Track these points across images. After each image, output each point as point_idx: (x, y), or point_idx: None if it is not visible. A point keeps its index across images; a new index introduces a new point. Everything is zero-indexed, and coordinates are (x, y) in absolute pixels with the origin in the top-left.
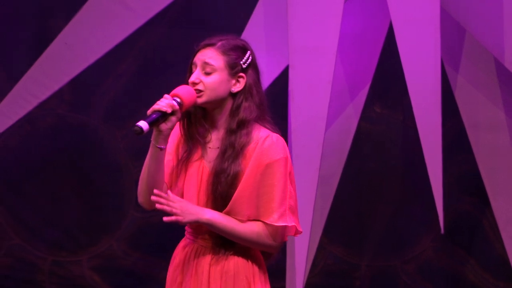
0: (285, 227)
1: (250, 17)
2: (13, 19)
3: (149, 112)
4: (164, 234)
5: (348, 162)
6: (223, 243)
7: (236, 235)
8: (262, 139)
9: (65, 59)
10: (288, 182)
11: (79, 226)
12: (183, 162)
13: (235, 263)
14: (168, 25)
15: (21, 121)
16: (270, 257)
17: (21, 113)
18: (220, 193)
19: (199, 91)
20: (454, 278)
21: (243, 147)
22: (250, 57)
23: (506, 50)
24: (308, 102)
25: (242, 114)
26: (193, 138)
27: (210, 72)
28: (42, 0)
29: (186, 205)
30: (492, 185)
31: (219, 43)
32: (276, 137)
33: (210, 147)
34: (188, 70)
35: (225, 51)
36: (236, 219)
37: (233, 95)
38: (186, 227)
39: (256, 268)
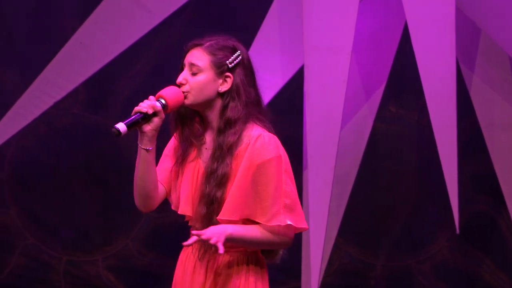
0: (279, 226)
1: (265, 17)
2: (29, 18)
3: (132, 113)
4: (179, 234)
5: (363, 162)
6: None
7: (255, 242)
8: (254, 138)
9: (81, 59)
10: (282, 181)
11: (94, 226)
12: (179, 164)
13: (233, 261)
14: (183, 25)
15: (36, 121)
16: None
17: (37, 113)
18: (208, 194)
19: (187, 92)
20: (469, 278)
21: (231, 147)
22: (240, 57)
23: None
24: (323, 102)
25: (229, 114)
26: (187, 140)
27: (196, 73)
28: (57, 0)
29: (213, 229)
30: (508, 185)
31: (207, 43)
32: (268, 137)
33: (206, 148)
34: (178, 71)
35: (212, 51)
36: (232, 221)
37: (221, 95)
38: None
39: (252, 267)
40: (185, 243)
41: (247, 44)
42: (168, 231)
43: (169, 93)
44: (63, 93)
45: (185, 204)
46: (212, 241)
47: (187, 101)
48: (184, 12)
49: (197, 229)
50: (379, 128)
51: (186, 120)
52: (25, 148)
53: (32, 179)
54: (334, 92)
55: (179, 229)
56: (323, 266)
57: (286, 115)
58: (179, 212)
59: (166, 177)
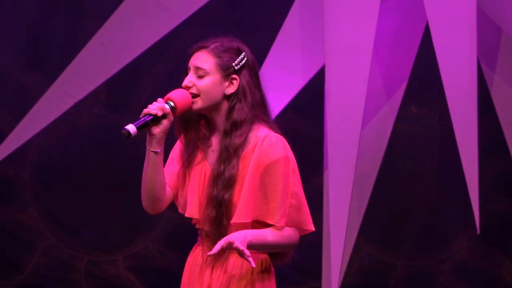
0: (288, 227)
1: (286, 17)
2: (50, 19)
3: (141, 115)
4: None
5: (384, 162)
6: None
7: (268, 246)
8: (261, 139)
9: (101, 59)
10: (289, 181)
11: (115, 226)
12: (186, 166)
13: (239, 263)
14: (203, 26)
15: (57, 121)
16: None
17: (57, 113)
18: (216, 197)
19: (195, 95)
20: (489, 279)
21: (237, 149)
22: (245, 59)
23: None
24: (344, 102)
25: (235, 116)
26: (193, 143)
27: (202, 75)
28: (77, 1)
29: (233, 236)
30: None
31: (212, 46)
32: (275, 137)
33: (212, 150)
34: (184, 73)
35: (217, 54)
36: (245, 223)
37: (228, 97)
38: (198, 231)
39: (260, 269)
40: (210, 253)
41: (268, 45)
42: (188, 232)
43: (177, 96)
44: (84, 93)
45: (192, 207)
46: (239, 247)
47: (195, 106)
48: (205, 13)
49: (205, 232)
50: (400, 128)
51: (191, 123)
52: (46, 148)
53: (53, 179)
54: (355, 92)
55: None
56: (343, 266)
57: (306, 115)
58: (186, 215)
59: (173, 180)
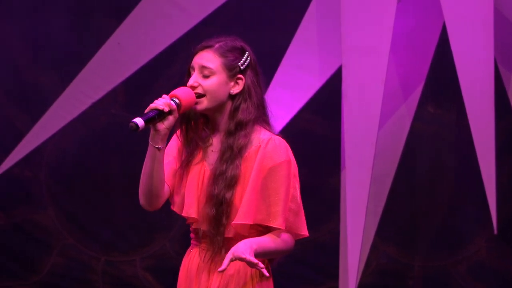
0: (286, 231)
1: (302, 18)
2: (67, 19)
3: (146, 110)
4: None
5: (401, 162)
6: (223, 245)
7: (269, 252)
8: (265, 142)
9: (118, 60)
10: (290, 185)
11: (132, 226)
12: (185, 166)
13: (236, 265)
14: (220, 26)
15: (75, 122)
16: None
17: (75, 113)
18: (217, 195)
19: (200, 95)
20: (508, 279)
21: (241, 149)
22: (249, 58)
23: None
24: (361, 102)
25: (240, 116)
26: (192, 142)
27: (208, 75)
28: (94, 1)
29: (238, 247)
30: None
31: (217, 45)
32: (278, 140)
33: (212, 150)
34: (186, 73)
35: (222, 53)
36: (245, 225)
37: (232, 97)
38: (191, 234)
39: (257, 271)
40: (220, 269)
41: (285, 45)
42: None
43: (182, 93)
44: (101, 94)
45: (190, 206)
46: (253, 261)
47: (200, 107)
48: (221, 13)
49: (203, 232)
50: (417, 128)
51: (190, 121)
52: (63, 149)
53: (70, 179)
54: (372, 92)
55: None
56: (360, 266)
57: (323, 115)
58: (183, 215)
59: (171, 177)
